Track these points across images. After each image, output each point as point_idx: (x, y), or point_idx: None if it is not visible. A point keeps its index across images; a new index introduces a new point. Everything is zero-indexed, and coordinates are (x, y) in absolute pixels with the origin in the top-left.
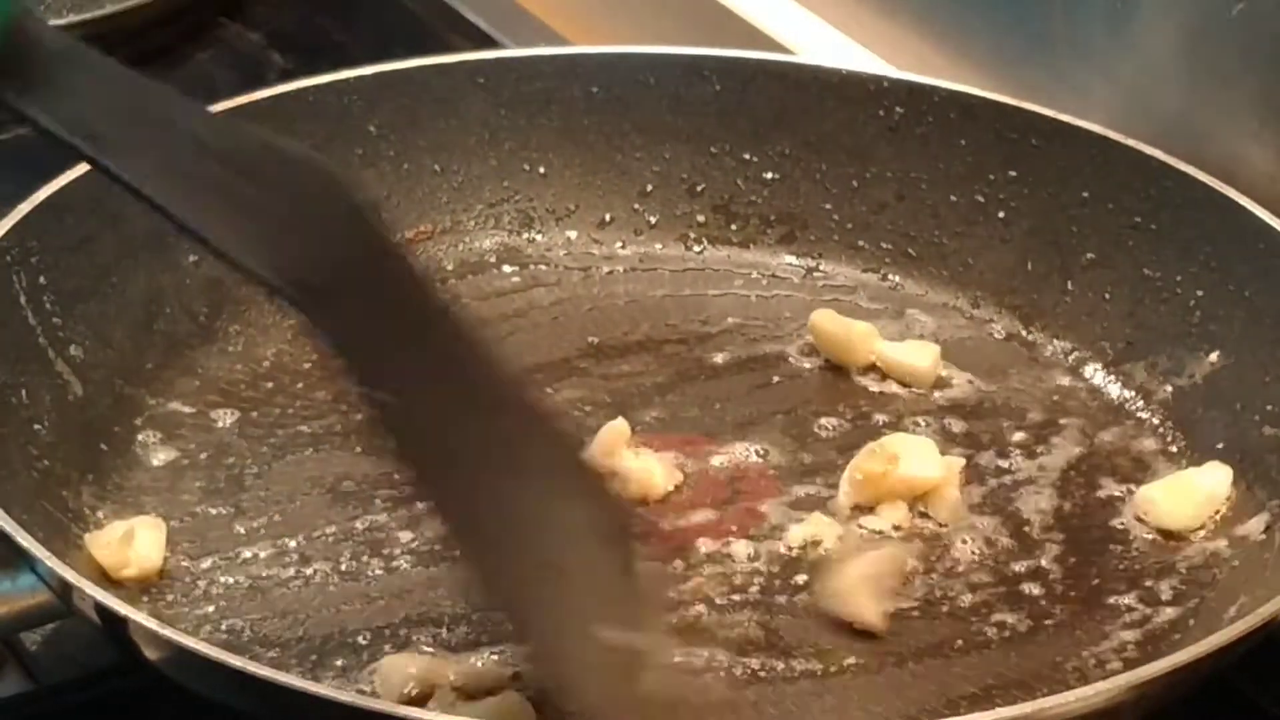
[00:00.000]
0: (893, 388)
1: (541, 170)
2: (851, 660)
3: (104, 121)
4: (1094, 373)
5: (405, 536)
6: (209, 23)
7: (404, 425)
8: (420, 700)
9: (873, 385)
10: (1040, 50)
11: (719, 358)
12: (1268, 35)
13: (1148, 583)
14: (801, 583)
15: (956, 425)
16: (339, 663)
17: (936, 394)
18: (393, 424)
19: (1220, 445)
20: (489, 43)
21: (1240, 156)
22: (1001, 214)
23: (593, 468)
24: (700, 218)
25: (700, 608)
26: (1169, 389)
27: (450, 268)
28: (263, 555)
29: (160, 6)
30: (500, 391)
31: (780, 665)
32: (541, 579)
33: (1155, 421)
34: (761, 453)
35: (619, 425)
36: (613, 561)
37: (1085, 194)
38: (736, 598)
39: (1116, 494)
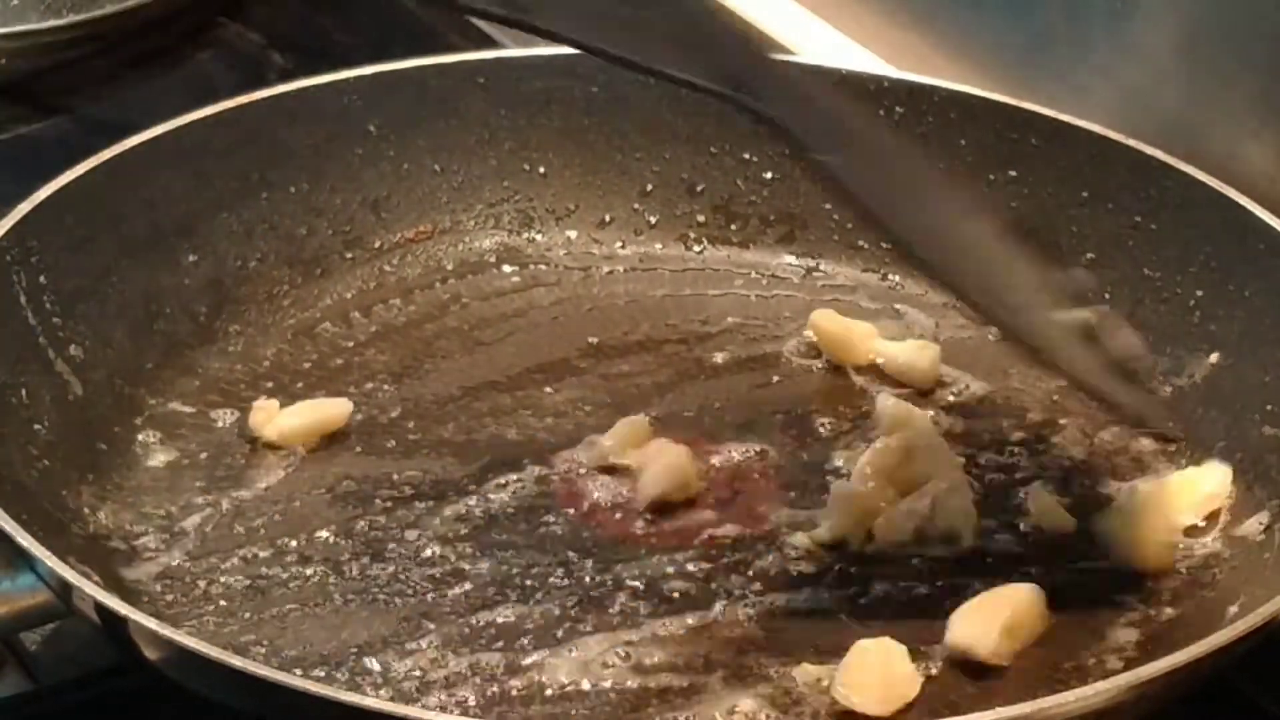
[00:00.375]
0: (893, 387)
1: (541, 170)
2: None
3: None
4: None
5: (406, 536)
6: (209, 23)
7: (854, 179)
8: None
9: (873, 385)
10: (1040, 50)
11: (719, 357)
12: (1268, 35)
13: (1148, 583)
14: (800, 584)
15: (957, 425)
16: (339, 662)
17: (936, 394)
18: (843, 177)
19: (1220, 445)
20: (489, 43)
21: (1240, 156)
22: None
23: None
24: (700, 218)
25: (700, 607)
26: (1169, 389)
27: (450, 267)
28: (262, 555)
29: (160, 6)
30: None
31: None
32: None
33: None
34: (761, 453)
35: (639, 420)
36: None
37: (1085, 194)
38: (736, 594)
39: (1116, 494)
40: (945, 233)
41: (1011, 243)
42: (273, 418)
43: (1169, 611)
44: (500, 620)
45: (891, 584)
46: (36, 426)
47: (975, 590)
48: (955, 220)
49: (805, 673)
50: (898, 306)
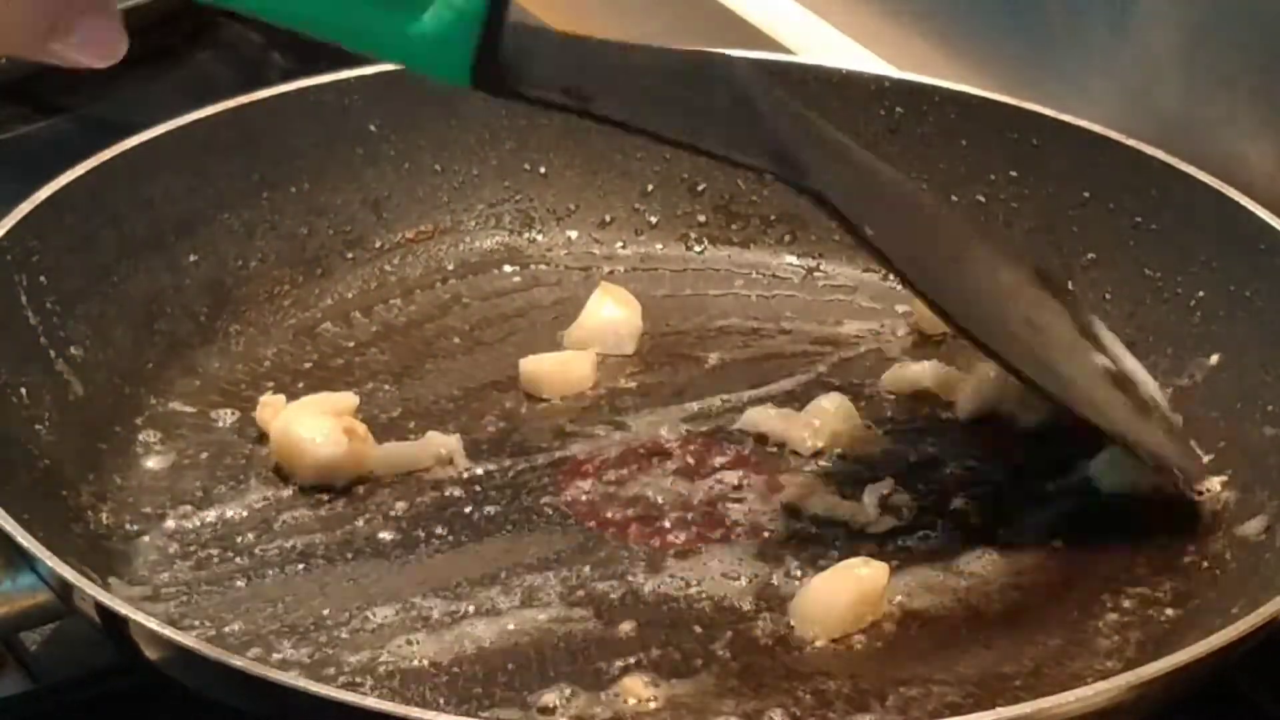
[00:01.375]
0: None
1: (542, 170)
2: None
3: (577, 79)
4: None
5: (408, 535)
6: (209, 23)
7: (892, 248)
8: None
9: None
10: (1040, 50)
11: (719, 357)
12: (1268, 35)
13: (1148, 583)
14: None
15: (959, 426)
16: (340, 660)
17: (938, 395)
18: (884, 249)
19: (1220, 445)
20: None
21: (1240, 157)
22: (1002, 214)
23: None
24: (701, 218)
25: (700, 602)
26: (1170, 389)
27: (451, 267)
28: (264, 555)
29: (160, 6)
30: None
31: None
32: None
33: None
34: (763, 452)
35: None
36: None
37: (1086, 194)
38: (737, 584)
39: (1117, 494)
40: (981, 294)
41: (1041, 289)
42: (279, 412)
43: (1169, 612)
44: (500, 617)
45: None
46: (37, 426)
47: (974, 588)
48: (989, 277)
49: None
50: (899, 307)
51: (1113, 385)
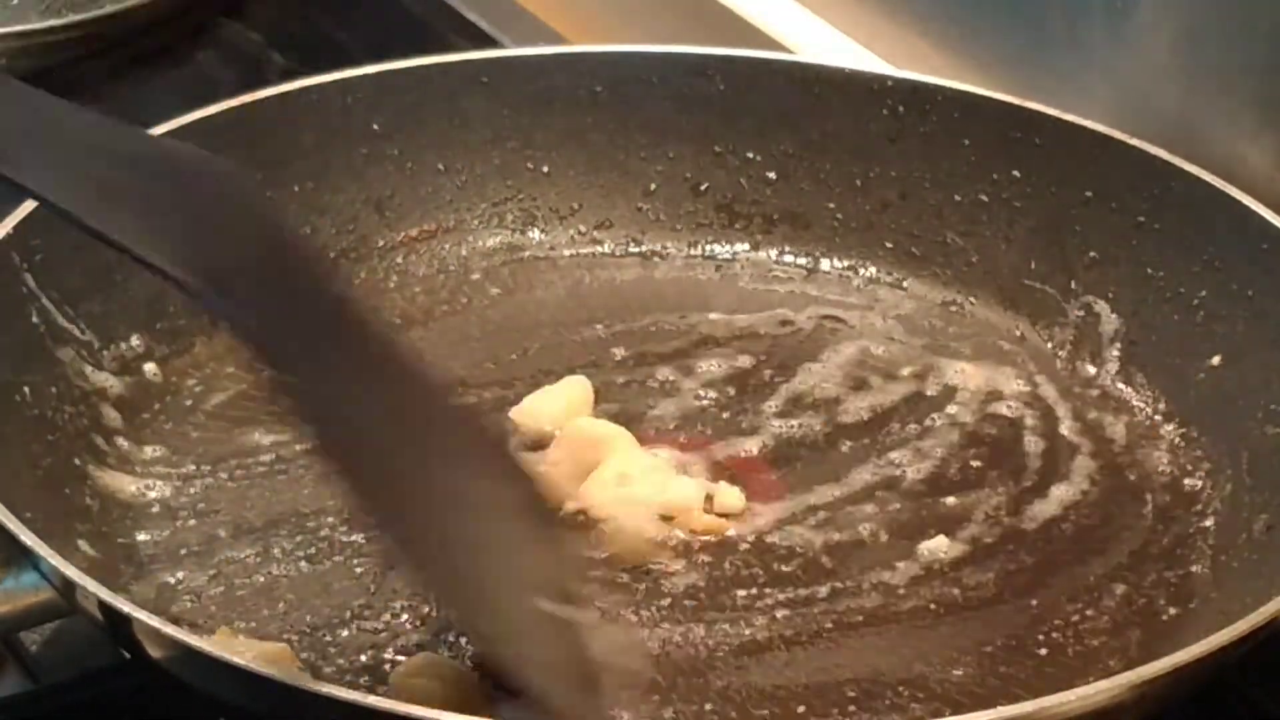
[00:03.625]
0: (897, 389)
1: (545, 169)
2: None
3: (6, 139)
4: (1096, 372)
5: None
6: (209, 23)
7: (317, 408)
8: None
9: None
10: (1042, 50)
11: (721, 357)
12: (1268, 35)
13: (1148, 583)
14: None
15: (960, 426)
16: (343, 659)
17: (939, 394)
18: (306, 408)
19: (1221, 444)
20: (489, 43)
21: (1240, 156)
22: (1005, 213)
23: (505, 450)
24: (704, 217)
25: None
26: (1171, 389)
27: (454, 267)
28: (268, 551)
29: (160, 6)
30: (410, 379)
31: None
32: (465, 555)
33: (1157, 421)
34: (765, 450)
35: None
36: (532, 535)
37: (1089, 193)
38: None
39: (1118, 494)
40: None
41: (532, 519)
42: None
43: (1169, 611)
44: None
45: None
46: (40, 424)
47: (976, 587)
48: (456, 483)
49: None
50: (900, 306)
51: (558, 637)
